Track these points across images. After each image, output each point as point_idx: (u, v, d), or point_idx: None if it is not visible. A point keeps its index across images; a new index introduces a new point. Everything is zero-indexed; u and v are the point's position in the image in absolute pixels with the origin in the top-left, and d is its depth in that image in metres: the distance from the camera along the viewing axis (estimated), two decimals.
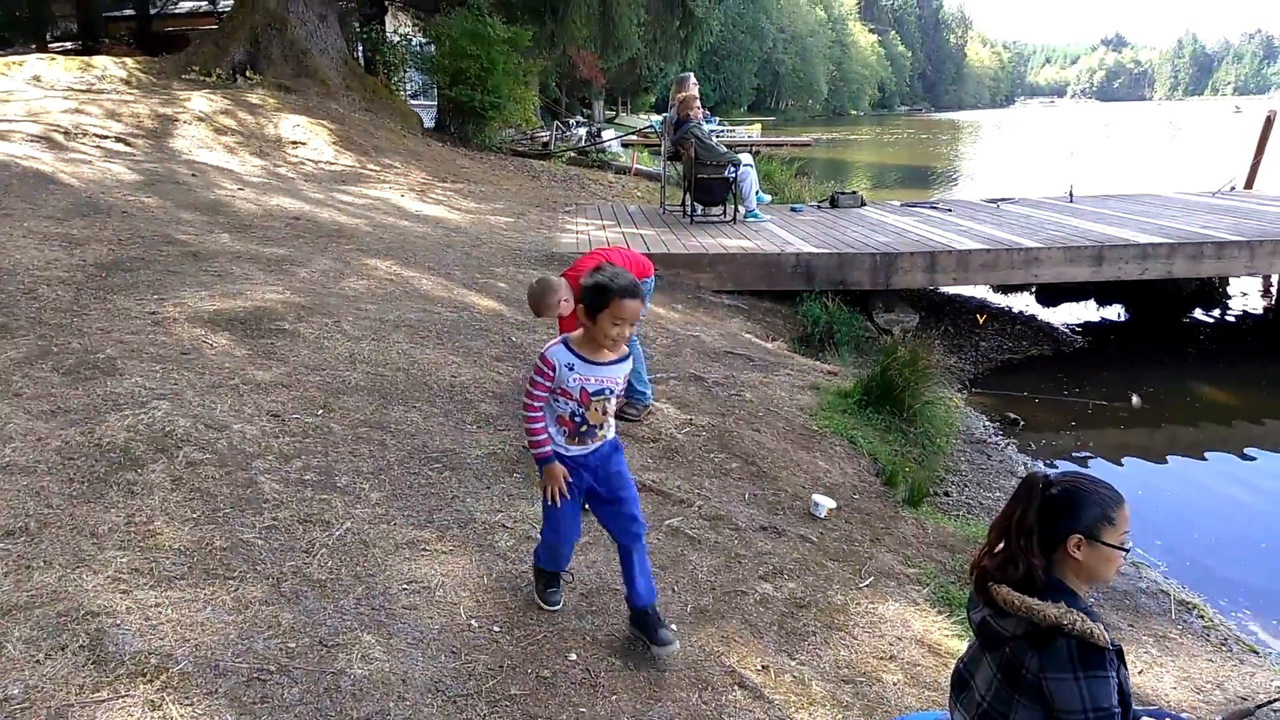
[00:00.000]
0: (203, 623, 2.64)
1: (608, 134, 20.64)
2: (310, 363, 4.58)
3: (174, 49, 14.22)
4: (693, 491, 4.10)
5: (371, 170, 10.45)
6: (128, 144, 9.53)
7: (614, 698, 2.67)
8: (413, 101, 16.60)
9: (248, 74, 12.80)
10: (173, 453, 3.49)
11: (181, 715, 2.29)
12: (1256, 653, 3.94)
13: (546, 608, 3.02)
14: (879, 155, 41.40)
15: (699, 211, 9.61)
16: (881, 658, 3.17)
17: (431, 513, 3.51)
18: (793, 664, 3.02)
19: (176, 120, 10.53)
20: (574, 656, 2.83)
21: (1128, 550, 2.14)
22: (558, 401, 2.70)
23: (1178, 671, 3.69)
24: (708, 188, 9.30)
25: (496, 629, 2.90)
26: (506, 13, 14.34)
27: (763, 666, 2.96)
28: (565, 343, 2.70)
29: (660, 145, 11.40)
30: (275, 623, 2.71)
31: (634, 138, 21.79)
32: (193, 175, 8.66)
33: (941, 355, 7.35)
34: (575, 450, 2.77)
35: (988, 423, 6.65)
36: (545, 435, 2.72)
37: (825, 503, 4.22)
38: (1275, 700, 2.45)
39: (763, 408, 5.30)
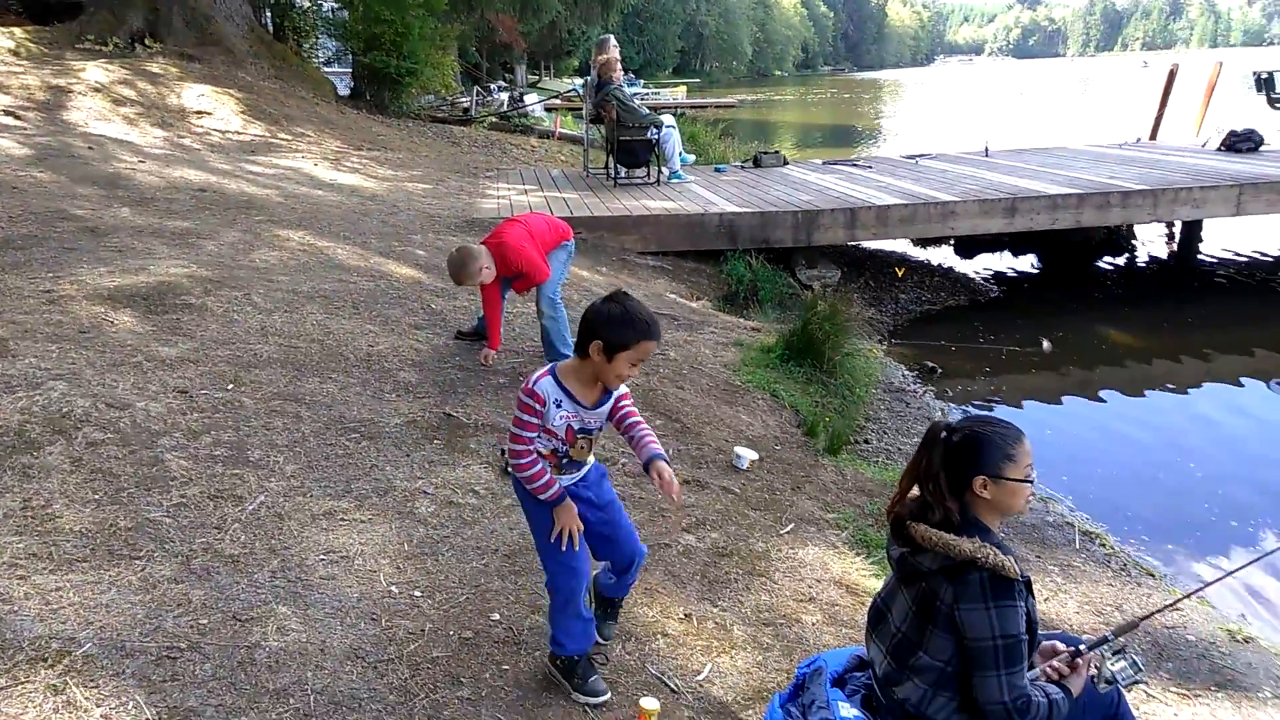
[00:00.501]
0: (107, 604, 2.57)
1: (530, 98, 20.32)
2: (219, 337, 4.44)
3: (66, 17, 13.49)
4: (617, 450, 4.11)
5: (282, 140, 10.13)
6: (17, 117, 9.05)
7: (537, 654, 2.68)
8: (326, 69, 16.10)
9: (147, 42, 12.23)
10: (71, 434, 3.36)
11: (87, 698, 2.24)
12: (1153, 575, 4.15)
13: (594, 701, 2.51)
14: (803, 115, 41.68)
15: (622, 174, 9.56)
16: (801, 600, 3.25)
17: (349, 482, 3.46)
18: (715, 611, 3.08)
19: (70, 92, 10.02)
20: (496, 616, 2.83)
21: (1032, 482, 2.22)
22: (539, 438, 2.42)
23: (1080, 597, 3.87)
24: (630, 150, 9.25)
25: (418, 594, 2.88)
26: None
27: (685, 615, 3.01)
28: (554, 375, 2.40)
29: (583, 109, 11.28)
30: (185, 600, 2.65)
31: (557, 101, 21.49)
32: (89, 148, 8.27)
33: (862, 308, 7.51)
34: (565, 479, 2.51)
35: (906, 372, 6.81)
36: (547, 474, 2.42)
37: (747, 455, 4.28)
38: (1157, 612, 2.58)
39: (687, 366, 5.33)
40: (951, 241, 10.36)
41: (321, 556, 2.98)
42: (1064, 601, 3.88)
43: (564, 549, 2.45)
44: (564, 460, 2.48)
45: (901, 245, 10.32)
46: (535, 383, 2.38)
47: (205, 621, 2.58)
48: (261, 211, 6.80)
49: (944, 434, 2.22)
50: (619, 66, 9.24)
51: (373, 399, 4.14)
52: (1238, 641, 3.72)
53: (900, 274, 8.85)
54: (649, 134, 9.12)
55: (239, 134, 10.04)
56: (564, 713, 2.45)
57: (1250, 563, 2.62)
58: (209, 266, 5.37)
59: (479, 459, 3.79)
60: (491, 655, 2.65)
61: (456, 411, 4.14)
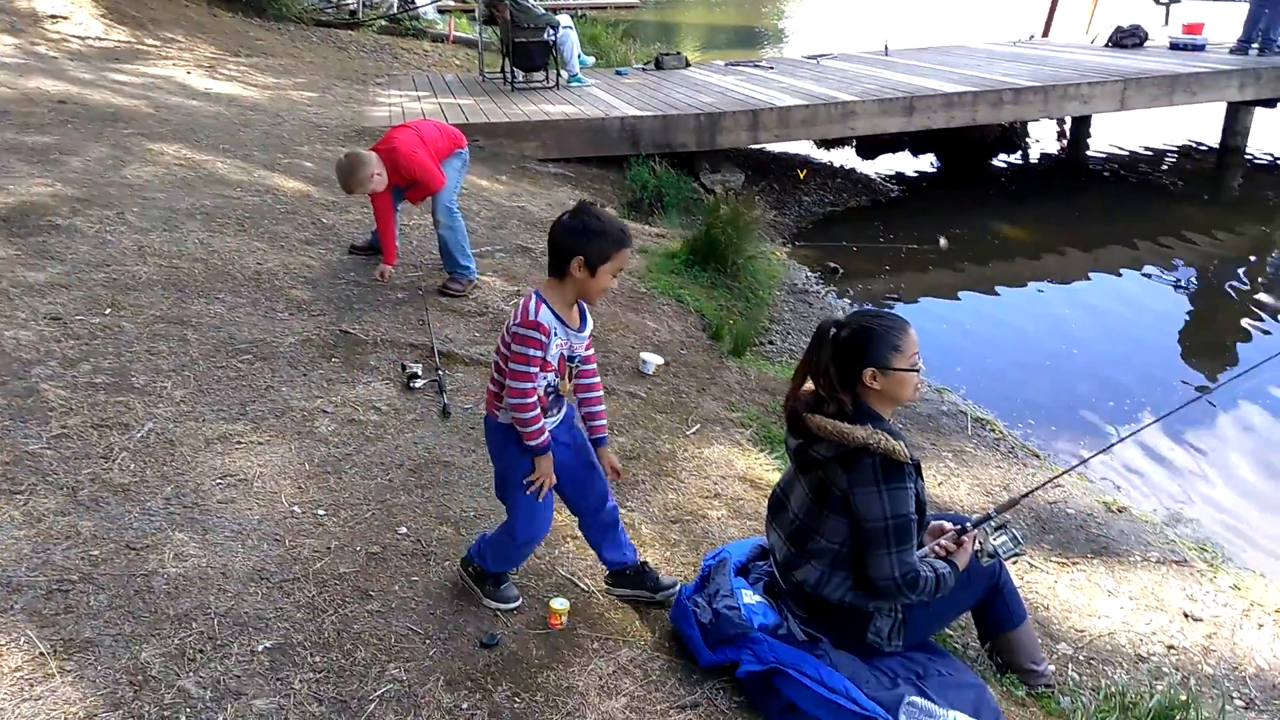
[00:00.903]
0: None
1: (422, 1, 19.30)
2: (92, 259, 4.18)
3: None
4: None
5: (150, 46, 9.40)
6: None
7: (446, 564, 2.69)
8: None
9: None
10: None
11: None
12: (1037, 456, 4.40)
13: (506, 606, 2.51)
14: (708, 16, 40.76)
15: (520, 78, 9.23)
16: (707, 496, 3.33)
17: (244, 405, 3.35)
18: (623, 512, 3.11)
19: None
20: (404, 530, 2.82)
21: (919, 370, 2.30)
22: (541, 376, 2.27)
23: (971, 479, 4.08)
24: (526, 52, 8.91)
25: (322, 513, 2.84)
26: None
27: None
28: (546, 301, 2.24)
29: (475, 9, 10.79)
30: (74, 532, 2.55)
31: (451, 3, 20.48)
32: None
33: (765, 211, 7.54)
34: (549, 422, 2.36)
35: (809, 273, 6.91)
36: (542, 419, 2.29)
37: (653, 360, 4.31)
38: (1034, 490, 2.74)
39: None
40: (854, 143, 10.43)
41: (218, 481, 2.90)
42: (956, 485, 4.08)
43: (537, 499, 2.38)
44: (551, 397, 2.35)
45: (805, 148, 10.34)
46: (535, 314, 2.20)
47: (97, 552, 2.49)
48: (130, 124, 6.35)
49: (833, 330, 2.27)
50: None
51: (264, 319, 3.99)
52: (1112, 512, 4.00)
53: (802, 176, 8.89)
54: (545, 35, 8.79)
55: (100, 40, 9.27)
56: (475, 618, 2.47)
57: (1117, 441, 2.79)
58: (75, 185, 5.01)
59: (380, 375, 3.71)
60: (400, 568, 2.64)
61: (354, 328, 4.02)
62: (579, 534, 2.93)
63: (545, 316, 2.22)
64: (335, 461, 3.11)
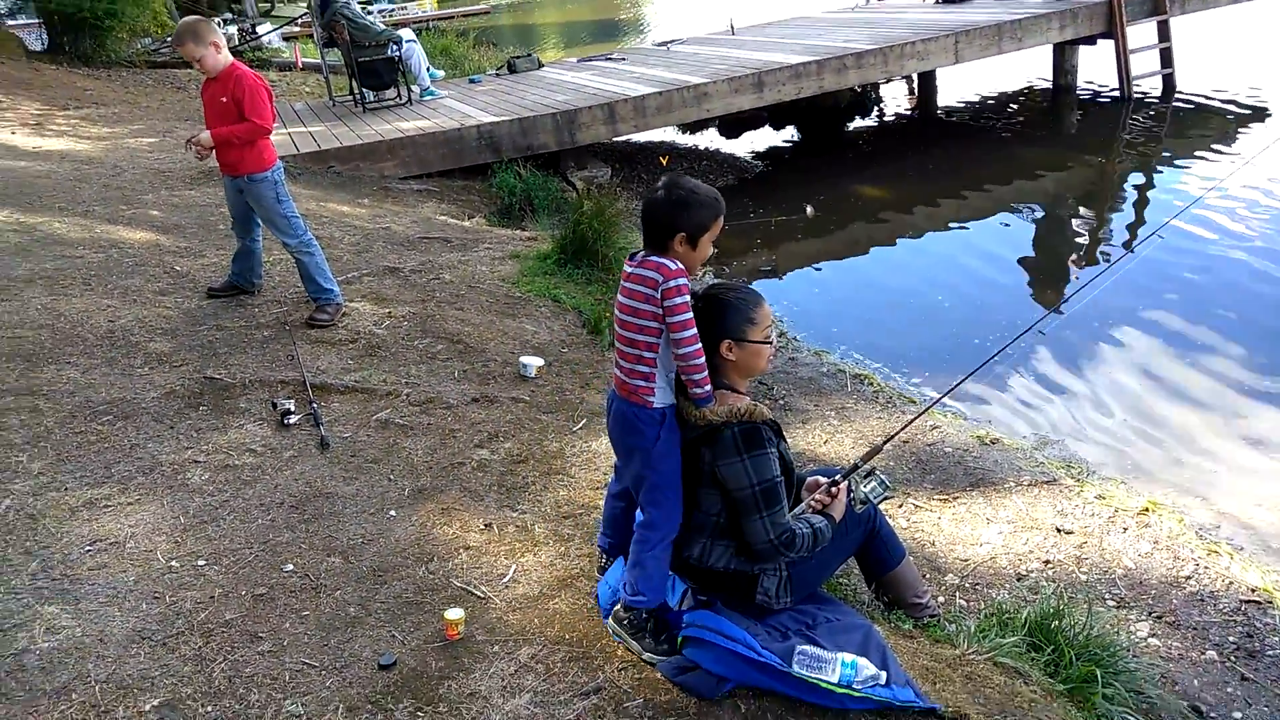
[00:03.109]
0: None
1: (264, 29, 18.70)
2: None
3: None
4: (400, 382, 4.04)
5: None
6: None
7: (338, 593, 2.65)
8: (10, 23, 14.10)
9: None
10: None
11: None
12: (913, 402, 4.60)
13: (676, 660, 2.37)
14: (563, 14, 40.76)
15: (371, 98, 9.08)
16: (598, 487, 3.37)
17: (109, 467, 3.22)
18: (515, 515, 3.14)
19: None
20: (290, 567, 2.77)
21: (771, 343, 2.38)
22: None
23: (854, 434, 4.25)
24: (372, 70, 8.77)
25: (202, 563, 2.76)
26: None
27: (486, 525, 3.05)
28: (661, 260, 2.20)
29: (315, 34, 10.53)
30: None
31: (296, 29, 19.94)
32: None
33: (631, 201, 7.61)
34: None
35: None
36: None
37: (534, 362, 4.32)
38: (894, 436, 2.88)
39: (464, 286, 5.26)
40: (716, 124, 10.65)
41: (87, 548, 2.79)
42: (841, 440, 4.24)
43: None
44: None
45: (670, 134, 10.50)
46: (674, 278, 2.16)
47: None
48: None
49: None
50: None
51: (122, 376, 3.83)
52: (986, 445, 4.22)
53: (664, 162, 9.04)
54: (389, 51, 8.67)
55: None
56: (371, 641, 2.45)
57: (968, 376, 2.95)
58: None
59: (252, 417, 3.62)
60: (289, 605, 2.59)
61: (220, 373, 3.90)
62: (471, 544, 2.94)
63: (679, 273, 2.19)
64: (212, 510, 3.02)
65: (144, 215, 5.80)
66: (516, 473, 3.42)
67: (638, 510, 2.41)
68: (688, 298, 2.20)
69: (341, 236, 5.82)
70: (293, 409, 3.63)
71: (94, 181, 6.45)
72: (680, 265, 2.20)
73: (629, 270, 2.27)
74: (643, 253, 2.27)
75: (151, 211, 5.87)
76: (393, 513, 3.08)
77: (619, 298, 2.31)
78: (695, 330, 2.20)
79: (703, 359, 2.23)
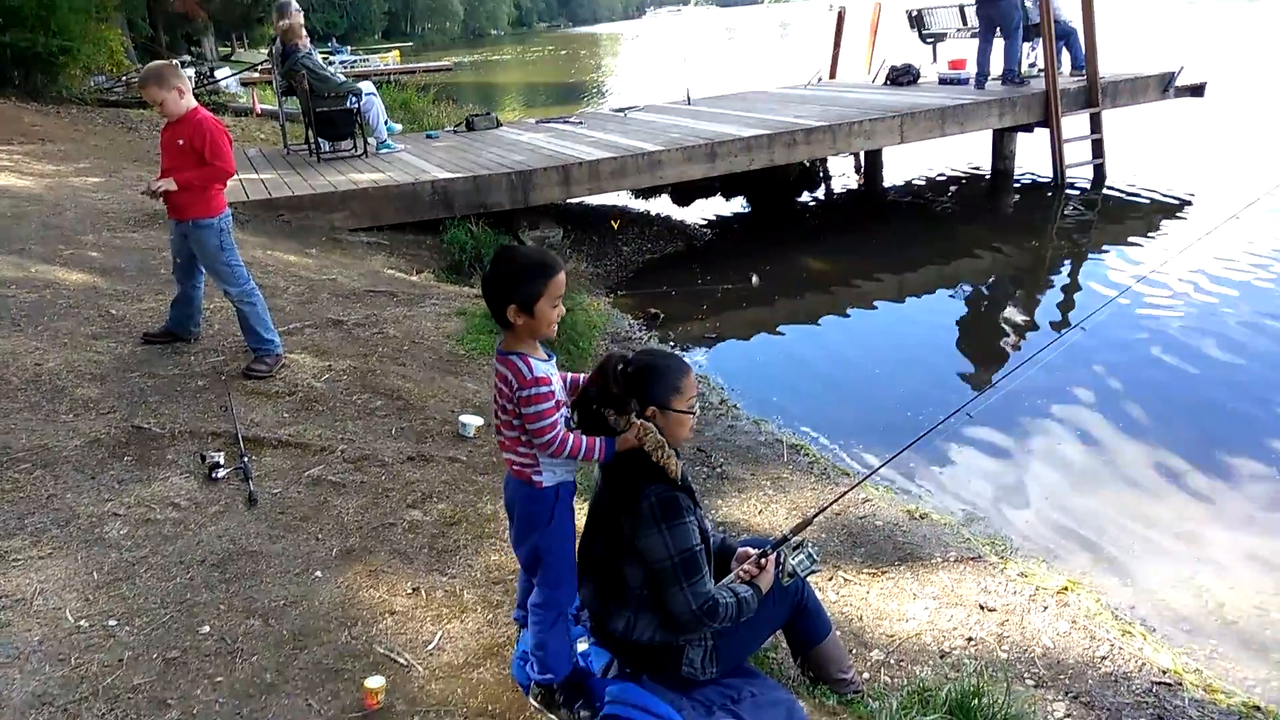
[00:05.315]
0: None
1: (222, 73, 18.73)
2: None
3: None
4: (335, 438, 3.99)
5: None
6: None
7: (254, 659, 2.59)
8: None
9: None
10: None
11: None
12: (847, 474, 4.67)
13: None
14: (525, 75, 41.49)
15: (326, 148, 9.10)
16: None
17: (22, 519, 3.12)
18: (444, 579, 3.11)
19: None
20: (206, 629, 2.69)
21: (695, 414, 2.42)
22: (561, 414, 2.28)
23: (789, 504, 4.29)
24: (330, 121, 8.80)
25: (113, 623, 2.68)
26: None
27: (413, 589, 3.01)
28: (523, 355, 2.23)
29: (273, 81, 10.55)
30: None
31: (255, 75, 19.96)
32: None
33: (587, 263, 7.70)
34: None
35: (632, 320, 7.10)
36: (582, 436, 2.30)
37: (473, 421, 4.30)
38: (824, 509, 2.92)
39: (408, 341, 5.25)
40: (669, 190, 10.85)
41: None
42: (775, 510, 4.28)
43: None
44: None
45: (623, 198, 10.66)
46: (531, 371, 2.21)
47: None
48: None
49: (619, 366, 2.36)
50: (303, 32, 8.71)
51: (45, 423, 3.73)
52: (915, 519, 4.29)
53: (616, 226, 9.15)
54: (348, 103, 8.72)
55: None
56: (285, 711, 2.39)
57: (899, 453, 3.02)
58: None
59: (178, 469, 3.54)
60: (202, 670, 2.52)
61: (148, 422, 3.82)
62: (397, 609, 2.90)
63: (539, 368, 2.23)
64: (128, 566, 2.94)
65: (83, 256, 5.70)
66: (448, 535, 3.39)
67: (533, 592, 2.42)
68: (546, 404, 2.22)
69: (286, 286, 5.78)
70: (222, 462, 3.56)
71: (33, 219, 6.33)
72: (537, 372, 2.22)
73: (496, 361, 2.32)
74: (500, 339, 2.32)
75: (91, 252, 5.77)
76: (318, 573, 3.03)
77: (495, 381, 2.34)
78: (555, 431, 2.24)
79: (570, 445, 2.26)
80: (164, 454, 3.64)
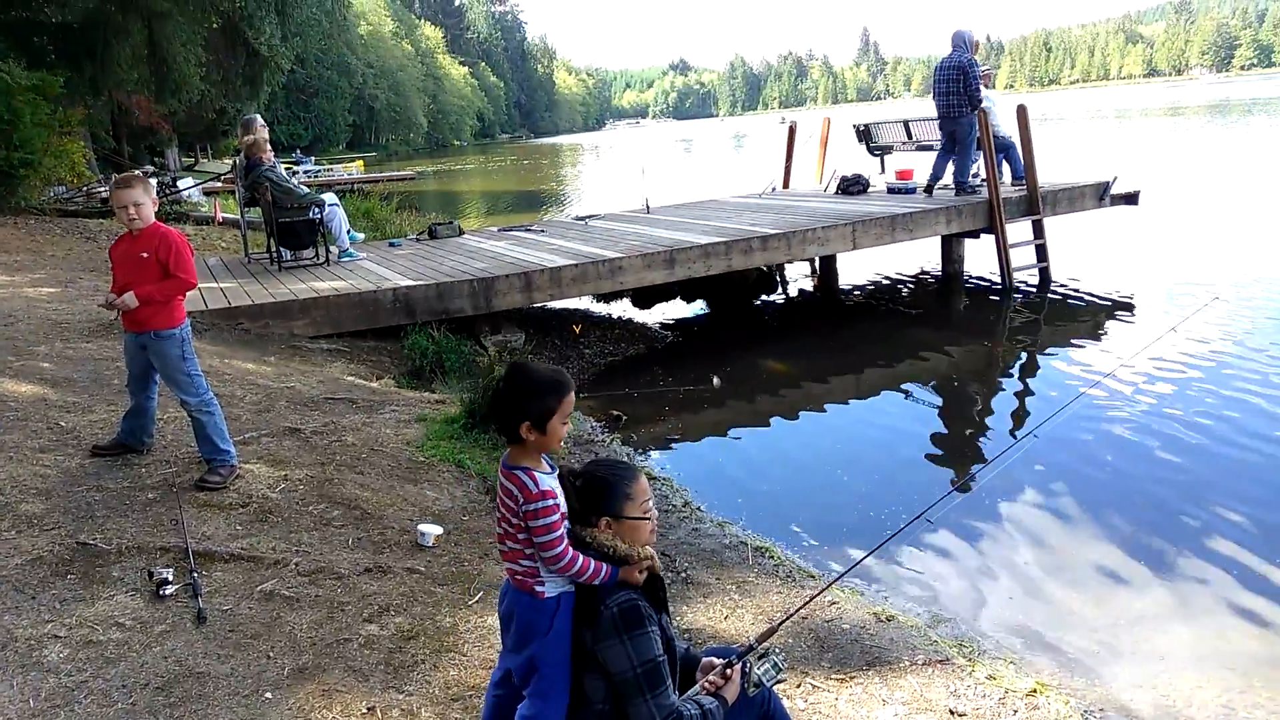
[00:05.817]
0: None
1: (185, 182, 18.90)
2: None
3: None
4: (290, 550, 3.89)
5: None
6: None
7: None
8: None
9: None
10: None
11: None
12: (813, 577, 4.63)
13: None
14: (487, 184, 42.48)
15: (288, 257, 9.16)
16: (489, 666, 3.24)
17: None
18: (400, 697, 3.00)
19: None
20: None
21: (649, 518, 2.42)
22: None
23: (755, 609, 4.23)
24: (292, 231, 8.90)
25: None
26: (31, 57, 12.49)
27: (368, 709, 2.90)
28: (530, 470, 2.27)
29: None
30: None
31: (218, 184, 20.18)
32: None
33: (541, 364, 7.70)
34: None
35: (595, 423, 7.10)
36: (590, 559, 2.31)
37: (432, 531, 4.23)
38: (794, 613, 2.90)
39: (366, 449, 5.19)
40: (630, 295, 11.03)
41: None
42: (741, 616, 4.21)
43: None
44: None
45: (585, 303, 10.80)
46: (538, 485, 2.25)
47: None
48: None
49: (567, 480, 2.37)
50: (268, 147, 8.90)
51: None
52: (882, 622, 4.25)
53: (577, 330, 9.25)
54: (311, 214, 8.84)
55: None
56: None
57: (864, 558, 3.02)
58: None
59: (124, 587, 3.42)
60: None
61: (94, 538, 3.70)
62: None
63: (545, 481, 2.28)
64: (67, 692, 2.80)
65: (34, 367, 5.61)
66: (406, 650, 3.29)
67: (522, 704, 2.35)
68: (554, 516, 2.26)
69: (243, 395, 5.72)
70: (170, 578, 3.45)
71: None
72: (544, 486, 2.27)
73: (500, 474, 2.33)
74: (506, 452, 2.34)
75: (42, 363, 5.68)
76: (269, 694, 2.91)
77: (499, 493, 2.34)
78: (562, 545, 2.27)
79: (579, 564, 2.28)
80: (109, 571, 3.52)
